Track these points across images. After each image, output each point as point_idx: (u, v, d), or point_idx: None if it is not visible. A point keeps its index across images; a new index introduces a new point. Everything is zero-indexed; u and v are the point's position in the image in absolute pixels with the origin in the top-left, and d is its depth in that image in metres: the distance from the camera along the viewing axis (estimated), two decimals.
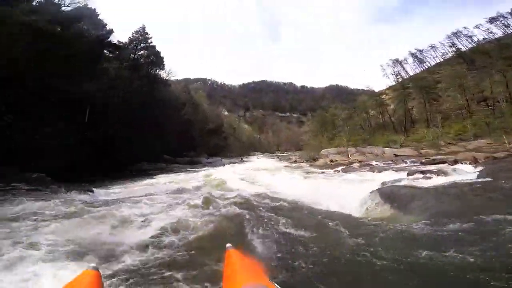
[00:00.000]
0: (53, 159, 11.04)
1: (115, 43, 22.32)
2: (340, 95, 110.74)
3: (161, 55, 28.48)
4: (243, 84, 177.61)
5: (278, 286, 1.18)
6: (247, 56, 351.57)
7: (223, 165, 23.25)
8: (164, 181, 10.41)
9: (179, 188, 8.55)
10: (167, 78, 29.73)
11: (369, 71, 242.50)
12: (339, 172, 11.70)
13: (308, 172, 12.53)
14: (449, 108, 35.38)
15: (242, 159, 40.33)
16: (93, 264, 1.53)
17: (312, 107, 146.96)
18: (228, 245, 1.64)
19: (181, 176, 12.98)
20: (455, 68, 37.70)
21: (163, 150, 25.24)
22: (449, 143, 24.58)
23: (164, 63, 28.88)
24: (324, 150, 25.12)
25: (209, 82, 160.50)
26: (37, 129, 11.70)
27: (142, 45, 27.07)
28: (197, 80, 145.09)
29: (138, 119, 21.32)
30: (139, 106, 21.93)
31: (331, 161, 18.17)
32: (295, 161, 24.49)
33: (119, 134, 17.82)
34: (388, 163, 13.68)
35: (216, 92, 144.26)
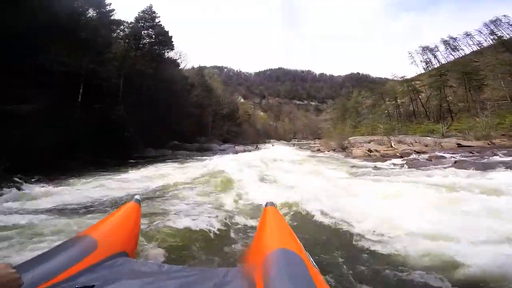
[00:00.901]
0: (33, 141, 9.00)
1: (116, 20, 20.03)
2: (361, 83, 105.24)
3: (170, 35, 25.92)
4: (259, 71, 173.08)
5: (307, 253, 1.15)
6: (264, 44, 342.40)
7: (236, 152, 20.90)
8: (151, 174, 7.92)
9: (154, 191, 5.51)
10: (177, 59, 27.43)
11: (392, 60, 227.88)
12: (403, 166, 8.64)
13: (353, 166, 9.41)
14: (493, 98, 30.74)
15: (257, 146, 37.86)
16: (136, 197, 1.82)
17: (331, 96, 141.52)
18: (268, 201, 1.69)
19: (176, 168, 9.69)
20: (499, 56, 32.77)
21: (172, 135, 23.25)
22: (503, 135, 20.70)
23: (173, 43, 26.40)
24: (351, 138, 22.02)
25: (225, 70, 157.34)
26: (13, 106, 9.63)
27: (148, 24, 24.67)
28: (213, 68, 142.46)
29: (143, 101, 19.29)
30: (145, 87, 19.82)
31: (369, 150, 15.17)
32: (319, 150, 21.64)
33: (120, 116, 15.81)
34: (469, 155, 10.00)
35: (232, 79, 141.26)
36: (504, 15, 49.86)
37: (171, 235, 2.25)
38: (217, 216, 3.08)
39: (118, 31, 21.04)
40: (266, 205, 1.66)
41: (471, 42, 56.47)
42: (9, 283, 0.69)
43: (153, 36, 24.18)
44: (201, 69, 38.14)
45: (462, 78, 32.14)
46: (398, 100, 43.87)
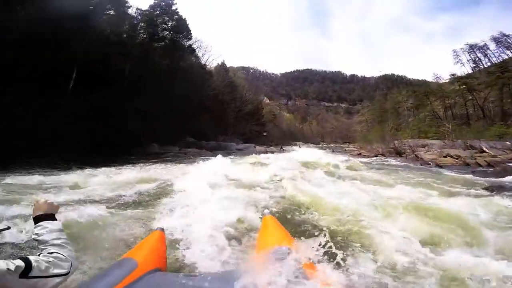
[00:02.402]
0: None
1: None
2: (396, 85, 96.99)
3: (187, 23, 23.93)
4: (286, 72, 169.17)
5: (300, 246, 1.31)
6: (291, 44, 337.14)
7: (257, 153, 18.04)
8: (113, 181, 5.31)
9: None
10: (196, 49, 25.29)
11: (430, 61, 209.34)
12: None
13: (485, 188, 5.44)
14: None
15: (282, 147, 34.60)
16: (160, 226, 2.07)
17: (364, 97, 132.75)
18: (265, 211, 2.03)
19: (162, 174, 6.66)
20: None
21: (188, 130, 21.09)
22: None
23: (191, 32, 24.35)
24: (408, 140, 18.12)
25: (251, 71, 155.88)
26: None
27: (164, 10, 22.88)
28: (239, 68, 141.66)
29: (153, 91, 17.22)
30: (156, 75, 17.79)
31: (444, 156, 11.40)
32: (360, 154, 17.94)
33: (121, 107, 13.76)
34: None
35: (258, 80, 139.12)
36: None
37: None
38: None
39: (132, 16, 19.41)
40: (264, 214, 1.96)
41: None
42: (50, 208, 1.11)
43: (169, 23, 22.36)
44: (224, 63, 35.92)
45: None
46: (446, 101, 37.91)
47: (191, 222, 3.01)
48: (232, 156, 14.75)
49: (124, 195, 4.25)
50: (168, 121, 17.88)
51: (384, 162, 12.73)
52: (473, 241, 3.12)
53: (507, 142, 15.08)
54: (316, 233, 3.30)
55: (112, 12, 18.42)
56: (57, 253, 0.95)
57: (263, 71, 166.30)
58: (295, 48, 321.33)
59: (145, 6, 22.24)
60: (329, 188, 5.20)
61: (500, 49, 51.86)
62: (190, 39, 24.99)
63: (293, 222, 3.45)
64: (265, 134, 41.70)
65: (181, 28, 22.66)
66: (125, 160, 9.96)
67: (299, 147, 47.94)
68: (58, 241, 0.99)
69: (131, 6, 19.92)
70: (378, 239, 2.79)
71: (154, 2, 22.37)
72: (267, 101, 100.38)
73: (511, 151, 11.52)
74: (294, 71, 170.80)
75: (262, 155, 15.08)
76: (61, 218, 1.27)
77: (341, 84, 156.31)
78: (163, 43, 21.57)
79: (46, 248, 0.96)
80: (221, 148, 19.06)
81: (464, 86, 33.25)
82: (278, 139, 54.51)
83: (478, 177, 6.71)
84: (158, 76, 18.09)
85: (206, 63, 29.02)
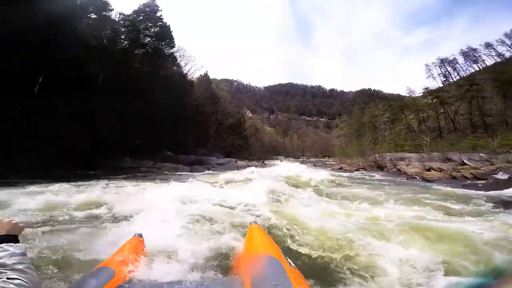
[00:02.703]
0: None
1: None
2: (373, 99, 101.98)
3: (171, 30, 23.42)
4: (269, 86, 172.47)
5: (288, 259, 1.35)
6: (275, 58, 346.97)
7: (237, 168, 17.18)
8: None
9: None
10: (178, 57, 24.63)
11: (405, 76, 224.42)
12: None
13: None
14: None
15: (264, 162, 34.00)
16: (138, 232, 2.05)
17: (342, 112, 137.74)
18: (252, 220, 2.04)
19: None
20: None
21: (166, 143, 19.90)
22: None
23: (174, 40, 23.77)
24: (388, 154, 18.17)
25: (234, 83, 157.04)
26: None
27: (147, 16, 22.29)
28: (222, 81, 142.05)
29: (131, 101, 16.12)
30: (135, 85, 16.78)
31: (428, 169, 11.24)
32: (341, 168, 17.69)
33: (97, 116, 12.61)
34: None
35: (242, 93, 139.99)
36: None
37: None
38: None
39: (114, 20, 18.56)
40: (250, 223, 1.90)
41: (493, 53, 53.08)
42: (13, 229, 1.00)
43: (152, 30, 21.65)
44: (206, 74, 35.38)
45: (499, 87, 27.91)
46: (420, 114, 39.84)
47: (171, 229, 2.87)
48: (211, 171, 13.82)
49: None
50: (145, 132, 16.72)
51: (366, 177, 12.44)
52: (484, 265, 2.65)
53: (481, 154, 15.58)
54: (306, 260, 2.59)
55: (93, 15, 17.58)
56: (19, 279, 0.85)
57: (246, 84, 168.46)
58: (279, 61, 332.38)
59: (128, 11, 21.52)
60: (317, 208, 4.60)
61: (468, 63, 56.95)
62: (172, 47, 24.33)
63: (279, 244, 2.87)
64: (246, 148, 41.09)
65: (164, 35, 21.99)
66: (89, 175, 8.76)
67: (281, 161, 47.74)
68: (20, 266, 0.89)
69: (113, 9, 19.07)
70: (375, 265, 2.43)
71: (138, 7, 21.68)
72: (250, 114, 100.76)
73: (489, 163, 11.76)
74: (277, 84, 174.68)
75: (244, 170, 14.33)
76: None
77: (321, 98, 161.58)
78: (144, 50, 20.70)
79: (5, 273, 0.86)
80: (200, 162, 18.04)
81: (436, 100, 35.05)
82: (260, 153, 54.01)
83: (471, 191, 6.41)
84: (137, 84, 17.05)
85: (189, 73, 28.33)
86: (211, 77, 40.59)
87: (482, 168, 10.47)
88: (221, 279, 1.48)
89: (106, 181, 7.66)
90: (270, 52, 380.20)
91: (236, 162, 20.43)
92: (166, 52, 22.25)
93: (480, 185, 7.32)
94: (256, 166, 22.94)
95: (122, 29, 20.16)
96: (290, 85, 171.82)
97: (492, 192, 5.93)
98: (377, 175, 12.97)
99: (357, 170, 16.03)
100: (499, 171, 9.24)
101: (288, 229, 3.40)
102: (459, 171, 10.28)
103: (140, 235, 1.97)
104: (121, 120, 15.04)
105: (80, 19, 15.11)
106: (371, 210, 4.49)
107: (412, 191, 6.86)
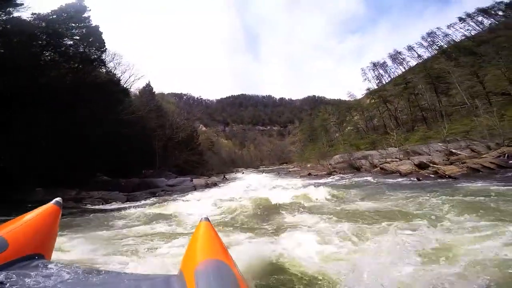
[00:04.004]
0: None
1: None
2: (317, 106, 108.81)
3: (100, 31, 19.63)
4: (221, 98, 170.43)
5: (235, 262, 1.19)
6: (225, 71, 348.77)
7: (194, 188, 14.34)
8: None
9: None
10: (114, 69, 20.76)
11: (343, 81, 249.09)
12: None
13: None
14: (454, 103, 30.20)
15: (224, 176, 31.22)
16: (58, 199, 1.63)
17: (292, 119, 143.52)
18: (203, 216, 1.63)
19: None
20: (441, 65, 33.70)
21: (100, 165, 15.94)
22: None
23: (105, 44, 19.97)
24: (358, 153, 17.44)
25: (184, 97, 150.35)
26: None
27: (70, 16, 18.21)
28: (171, 95, 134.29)
29: (47, 115, 12.17)
30: (52, 95, 12.83)
31: (417, 165, 10.20)
32: (310, 174, 16.29)
33: None
34: None
35: (193, 107, 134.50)
36: (438, 28, 55.69)
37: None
38: None
39: (23, 20, 14.23)
40: (201, 220, 1.58)
41: (411, 55, 61.59)
42: None
43: (76, 31, 17.56)
44: (149, 85, 31.42)
45: (430, 83, 31.11)
46: (366, 114, 42.52)
47: None
48: (155, 198, 10.71)
49: None
50: (70, 154, 12.72)
51: (352, 181, 10.96)
52: None
53: (439, 144, 15.86)
54: None
55: None
56: None
57: (197, 98, 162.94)
58: (230, 73, 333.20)
59: (46, 10, 17.07)
60: (323, 247, 2.55)
61: (395, 65, 65.00)
62: (103, 51, 20.29)
63: None
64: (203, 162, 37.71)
65: (93, 37, 18.01)
66: None
67: (243, 173, 45.53)
68: None
69: (24, 6, 14.60)
70: None
71: (59, 7, 17.31)
72: (204, 128, 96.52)
73: (471, 150, 11.57)
74: (229, 96, 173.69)
75: (204, 191, 11.64)
76: None
77: (272, 107, 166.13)
78: (65, 54, 16.48)
79: None
80: (146, 185, 14.56)
81: (380, 99, 37.45)
82: (219, 166, 50.88)
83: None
84: (55, 94, 13.07)
85: (126, 83, 24.22)
86: (156, 92, 36.54)
87: (484, 156, 9.87)
88: (162, 276, 1.15)
89: None
90: (221, 64, 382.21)
91: (192, 181, 17.36)
92: (94, 57, 18.23)
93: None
94: (216, 183, 20.29)
95: (36, 31, 15.81)
96: (243, 96, 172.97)
97: None
98: (360, 178, 11.63)
99: (330, 174, 14.79)
100: (506, 155, 8.66)
101: None
102: (464, 162, 9.46)
103: (59, 203, 1.55)
104: (29, 142, 11.03)
105: None
106: (409, 238, 2.60)
107: (440, 193, 5.34)
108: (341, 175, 13.73)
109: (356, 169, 14.32)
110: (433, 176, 9.54)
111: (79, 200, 9.67)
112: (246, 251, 2.72)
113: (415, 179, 9.45)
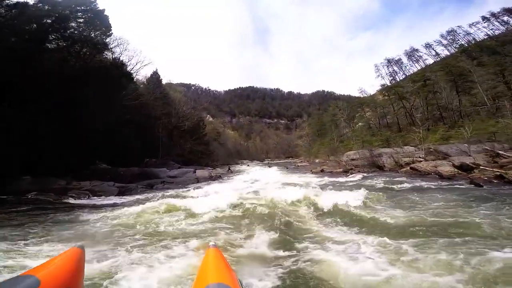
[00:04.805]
0: None
1: None
2: (326, 101, 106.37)
3: (105, 14, 18.62)
4: (229, 90, 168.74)
5: (241, 284, 1.21)
6: (234, 63, 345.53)
7: (197, 181, 13.51)
8: None
9: None
10: (120, 54, 19.84)
11: (353, 77, 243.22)
12: None
13: None
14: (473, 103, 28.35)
15: (229, 168, 30.43)
16: (79, 243, 1.74)
17: (299, 113, 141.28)
18: (211, 243, 1.75)
19: None
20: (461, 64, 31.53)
21: (100, 153, 15.26)
22: None
23: (111, 28, 19.00)
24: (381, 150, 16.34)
25: (192, 88, 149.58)
26: None
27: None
28: (180, 85, 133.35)
29: (48, 100, 11.43)
30: (56, 80, 12.06)
31: (459, 167, 9.07)
32: (322, 171, 15.24)
33: None
34: None
35: (201, 97, 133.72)
36: (458, 26, 53.61)
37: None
38: None
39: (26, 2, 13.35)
40: (209, 247, 1.67)
41: (432, 53, 58.95)
42: None
43: (81, 14, 16.62)
44: (156, 72, 30.52)
45: (451, 81, 29.20)
46: (379, 111, 40.78)
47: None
48: (152, 193, 9.86)
49: None
50: (67, 141, 12.00)
51: (378, 181, 9.49)
52: None
53: (465, 144, 14.54)
54: None
55: None
56: None
57: (205, 88, 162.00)
58: (239, 65, 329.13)
59: None
60: None
61: (410, 63, 62.79)
62: (109, 35, 19.34)
63: None
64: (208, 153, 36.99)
65: (99, 21, 17.04)
66: None
67: (248, 165, 44.70)
68: None
69: None
70: None
71: None
72: (211, 118, 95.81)
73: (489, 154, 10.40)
74: (237, 88, 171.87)
75: (207, 186, 10.72)
76: None
77: (280, 100, 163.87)
78: (69, 38, 15.62)
79: None
80: (146, 176, 13.81)
81: (395, 95, 35.72)
82: (224, 158, 50.24)
83: None
84: (59, 79, 12.29)
85: (133, 70, 23.32)
86: (165, 82, 35.64)
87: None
88: None
89: None
90: (230, 57, 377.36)
91: (195, 172, 16.52)
92: (100, 41, 17.27)
93: None
94: (221, 175, 19.46)
95: (38, 13, 14.92)
96: (251, 89, 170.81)
97: None
98: (398, 179, 9.84)
99: (346, 172, 13.60)
100: None
101: None
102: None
103: (82, 247, 1.71)
104: (31, 128, 10.34)
105: None
106: None
107: None
108: (363, 173, 12.46)
109: (378, 167, 13.11)
110: (496, 181, 7.91)
111: (63, 192, 8.87)
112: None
113: (471, 184, 7.76)
